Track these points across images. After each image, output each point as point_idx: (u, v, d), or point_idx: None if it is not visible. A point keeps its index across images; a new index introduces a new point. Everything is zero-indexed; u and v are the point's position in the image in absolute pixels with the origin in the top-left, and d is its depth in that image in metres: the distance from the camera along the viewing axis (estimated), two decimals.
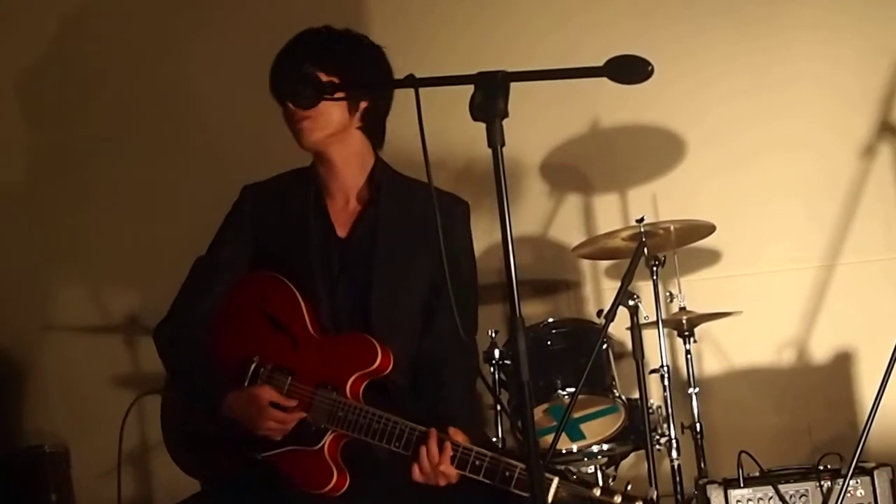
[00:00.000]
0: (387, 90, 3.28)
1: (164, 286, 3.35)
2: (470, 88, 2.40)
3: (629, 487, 2.79)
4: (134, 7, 5.41)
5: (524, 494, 2.80)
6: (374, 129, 3.29)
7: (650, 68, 2.33)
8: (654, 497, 2.78)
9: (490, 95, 2.38)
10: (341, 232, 3.24)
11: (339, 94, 3.01)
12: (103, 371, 5.24)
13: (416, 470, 2.91)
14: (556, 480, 2.77)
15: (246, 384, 3.13)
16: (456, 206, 3.26)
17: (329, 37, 3.24)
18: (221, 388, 3.11)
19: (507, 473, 2.82)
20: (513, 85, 2.41)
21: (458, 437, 2.93)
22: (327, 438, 3.03)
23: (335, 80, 3.09)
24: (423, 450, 2.90)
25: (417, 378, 3.21)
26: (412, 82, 2.56)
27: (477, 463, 2.86)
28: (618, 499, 2.74)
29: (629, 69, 2.35)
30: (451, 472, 2.88)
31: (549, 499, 2.76)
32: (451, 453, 2.88)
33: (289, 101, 3.10)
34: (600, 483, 2.79)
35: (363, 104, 3.23)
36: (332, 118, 3.18)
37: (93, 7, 5.45)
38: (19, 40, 5.43)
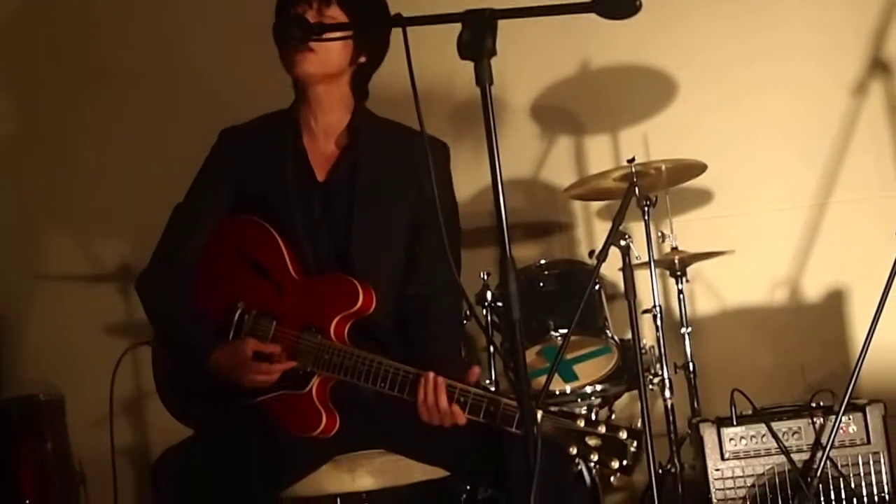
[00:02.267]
0: (374, 29, 3.26)
1: (156, 234, 3.34)
2: (454, 28, 2.39)
3: (613, 417, 2.80)
4: None
5: (511, 430, 2.81)
6: (361, 83, 3.28)
7: (638, 3, 2.32)
8: (639, 426, 2.78)
9: (478, 33, 2.38)
10: (321, 175, 3.23)
11: (329, 35, 2.99)
12: (97, 320, 5.24)
13: (423, 413, 2.91)
14: (539, 413, 2.77)
15: (232, 331, 3.13)
16: (435, 147, 3.23)
17: None
18: (207, 340, 3.12)
19: (492, 408, 2.83)
20: (502, 25, 2.39)
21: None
22: (314, 382, 3.04)
23: (341, 12, 3.11)
24: (421, 393, 2.90)
25: (404, 321, 3.21)
26: (399, 21, 2.55)
27: (462, 399, 2.87)
28: (602, 429, 2.74)
29: (617, 4, 2.34)
30: (459, 414, 2.88)
31: None
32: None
33: (276, 41, 3.07)
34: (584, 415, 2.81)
35: (362, 58, 3.22)
36: (331, 59, 3.16)
37: None
38: None
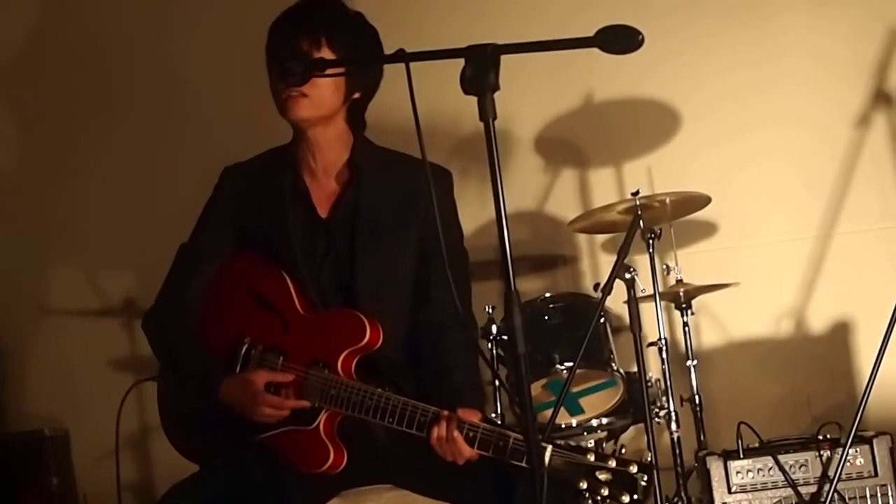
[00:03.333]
0: (376, 65, 3.26)
1: (161, 269, 3.34)
2: (459, 63, 2.40)
3: (623, 451, 2.79)
4: None
5: (520, 464, 2.80)
6: (357, 116, 3.27)
7: (640, 38, 2.32)
8: (649, 459, 2.77)
9: (481, 69, 2.37)
10: (323, 212, 3.21)
11: (331, 71, 2.99)
12: (101, 354, 5.24)
13: (436, 448, 2.90)
14: (549, 448, 2.76)
15: (238, 366, 3.12)
16: (438, 175, 3.21)
17: (333, 11, 3.21)
18: (215, 376, 3.10)
19: (501, 443, 2.82)
20: (506, 60, 2.40)
21: (473, 416, 2.90)
22: (322, 417, 3.02)
23: (331, 54, 3.10)
24: (434, 430, 2.88)
25: (419, 349, 3.19)
26: (402, 57, 2.55)
27: (471, 434, 2.86)
28: (612, 463, 2.73)
29: (620, 39, 2.34)
30: (471, 453, 2.86)
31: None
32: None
33: (278, 78, 3.07)
34: (594, 449, 2.79)
35: (356, 94, 3.21)
36: (325, 101, 3.14)
37: None
38: (6, 24, 5.40)
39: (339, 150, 3.24)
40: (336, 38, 3.13)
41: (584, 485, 2.75)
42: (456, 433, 2.86)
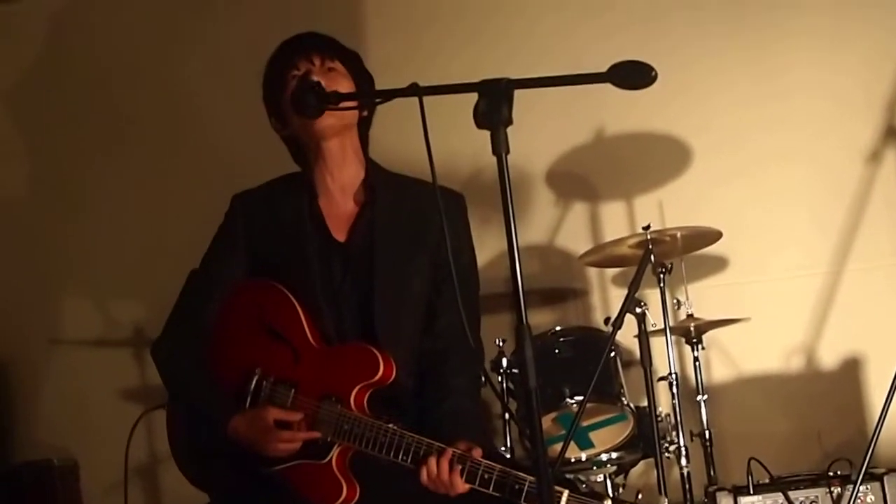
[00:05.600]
0: (390, 99, 3.27)
1: (171, 298, 3.33)
2: (475, 97, 2.41)
3: (640, 496, 2.78)
4: (132, 13, 5.42)
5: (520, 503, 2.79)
6: (365, 134, 3.30)
7: (653, 73, 2.33)
8: (665, 503, 2.76)
9: (494, 103, 2.39)
10: (339, 236, 3.21)
11: (345, 104, 3.01)
12: (111, 384, 5.24)
13: (423, 479, 2.90)
14: (565, 494, 2.76)
15: (249, 399, 3.11)
16: (451, 199, 3.22)
17: (330, 41, 3.25)
18: (225, 409, 3.10)
19: (517, 486, 2.81)
20: (519, 95, 2.41)
21: (474, 452, 2.91)
22: (334, 452, 3.01)
23: (342, 68, 3.15)
24: (433, 463, 2.88)
25: (421, 376, 3.18)
26: (416, 91, 2.57)
27: (486, 476, 2.85)
28: None
29: (632, 74, 2.35)
30: (459, 484, 2.87)
31: None
32: (460, 467, 2.87)
33: (295, 111, 3.06)
34: (611, 494, 2.76)
35: (365, 112, 3.25)
36: (347, 111, 3.14)
37: (89, 12, 5.46)
38: (14, 47, 5.44)
39: (355, 165, 3.25)
40: (343, 55, 3.19)
41: None
42: (451, 470, 2.85)
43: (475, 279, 3.27)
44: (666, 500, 2.76)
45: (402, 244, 3.19)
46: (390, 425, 2.96)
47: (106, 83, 5.41)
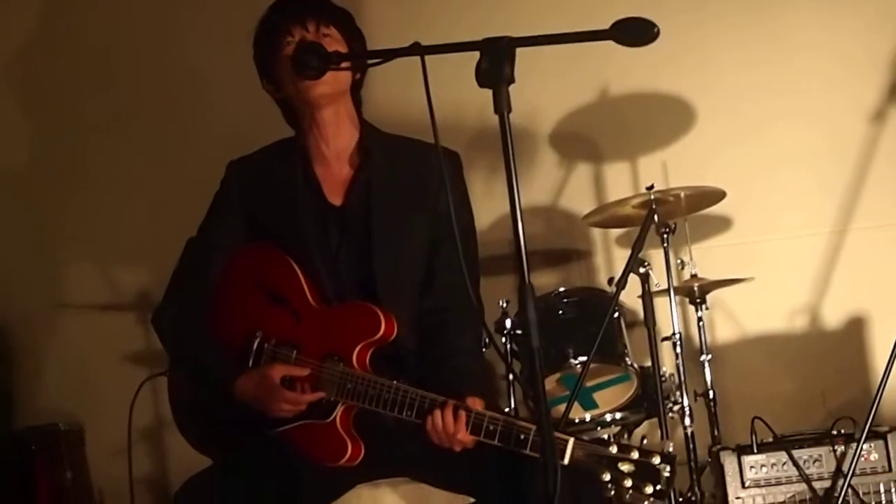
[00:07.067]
0: (391, 59, 3.26)
1: (174, 263, 3.35)
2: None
3: (645, 442, 2.79)
4: None
5: (525, 452, 2.80)
6: (357, 96, 3.30)
7: (656, 30, 2.33)
8: (671, 449, 2.77)
9: (496, 61, 2.39)
10: (335, 200, 3.21)
11: (344, 64, 3.00)
12: (116, 349, 5.25)
13: (429, 430, 2.90)
14: (571, 441, 2.77)
15: (251, 361, 3.12)
16: (446, 158, 3.16)
17: (323, 3, 3.24)
18: (231, 372, 3.10)
19: (522, 436, 2.82)
20: (522, 54, 2.40)
21: (476, 405, 2.91)
22: (338, 411, 3.02)
23: (337, 33, 3.14)
24: (438, 415, 2.89)
25: (422, 338, 3.18)
26: (418, 50, 2.56)
27: (491, 427, 2.85)
28: (635, 454, 2.74)
29: (634, 31, 2.35)
30: (466, 437, 2.88)
31: (566, 460, 2.76)
32: (465, 419, 2.87)
33: (296, 72, 3.05)
34: (616, 441, 2.79)
35: (358, 75, 3.25)
36: (340, 77, 3.15)
37: None
38: (15, 21, 5.42)
39: (350, 131, 3.25)
40: (337, 19, 3.19)
41: (606, 476, 2.75)
42: (455, 420, 2.86)
43: (473, 237, 3.26)
44: (671, 443, 2.77)
45: (399, 204, 3.19)
46: (394, 382, 2.96)
47: (106, 53, 5.38)
